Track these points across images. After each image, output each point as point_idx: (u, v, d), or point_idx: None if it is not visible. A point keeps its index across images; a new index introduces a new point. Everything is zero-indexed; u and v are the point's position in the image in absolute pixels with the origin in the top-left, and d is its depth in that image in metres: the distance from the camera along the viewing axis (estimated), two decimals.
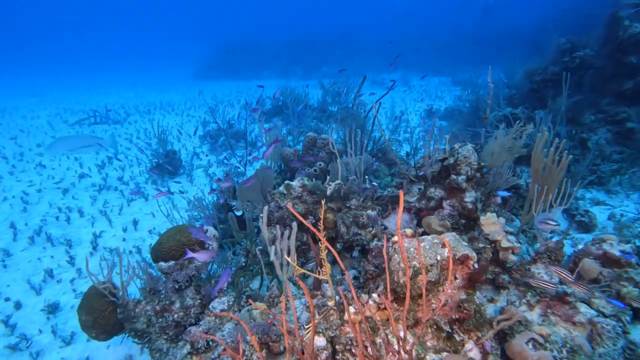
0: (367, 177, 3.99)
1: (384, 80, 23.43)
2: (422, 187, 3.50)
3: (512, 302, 2.61)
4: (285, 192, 3.52)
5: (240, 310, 3.06)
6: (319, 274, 2.21)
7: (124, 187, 7.85)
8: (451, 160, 3.39)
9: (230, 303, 3.10)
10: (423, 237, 2.14)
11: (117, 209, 6.78)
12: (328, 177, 4.05)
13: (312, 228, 1.62)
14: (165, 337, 3.06)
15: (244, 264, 3.74)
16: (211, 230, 3.48)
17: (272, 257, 2.74)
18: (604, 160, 7.33)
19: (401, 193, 1.32)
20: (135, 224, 6.20)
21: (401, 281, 2.00)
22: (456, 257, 2.11)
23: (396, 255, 2.06)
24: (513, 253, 2.78)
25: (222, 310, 3.09)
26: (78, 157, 9.53)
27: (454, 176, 3.34)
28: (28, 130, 12.55)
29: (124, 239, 5.74)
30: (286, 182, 3.54)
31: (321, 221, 2.01)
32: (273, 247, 2.76)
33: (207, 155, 10.00)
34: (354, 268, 3.55)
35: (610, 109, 7.59)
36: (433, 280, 1.99)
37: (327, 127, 11.98)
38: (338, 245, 3.44)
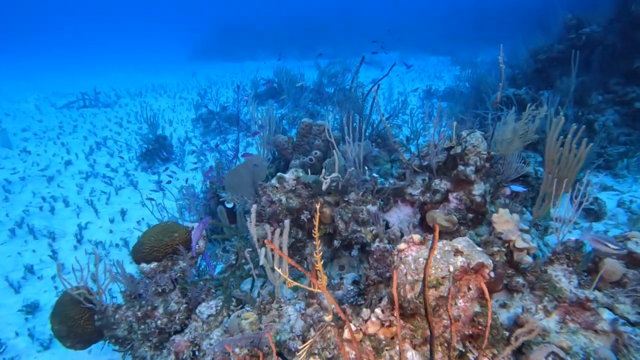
0: (366, 166, 3.70)
1: (381, 60, 22.89)
2: (427, 179, 3.23)
3: (528, 309, 2.37)
4: (277, 185, 3.24)
5: (229, 316, 2.82)
6: (314, 286, 1.94)
7: (113, 174, 7.55)
8: (458, 150, 3.11)
9: (219, 307, 2.86)
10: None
11: (105, 198, 6.49)
12: (324, 168, 3.77)
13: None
14: (149, 344, 2.82)
15: (234, 262, 3.48)
16: (197, 227, 3.21)
17: (262, 260, 2.47)
18: (611, 143, 7.05)
19: (436, 230, 1.03)
20: (124, 214, 5.93)
21: (408, 296, 1.74)
22: (470, 266, 1.84)
23: (402, 266, 1.80)
24: (528, 253, 2.52)
25: (210, 316, 2.85)
26: (65, 143, 9.18)
27: (461, 167, 3.06)
28: (14, 114, 12.14)
29: (110, 231, 5.48)
30: (279, 174, 3.26)
31: (316, 223, 1.74)
32: (263, 249, 2.50)
33: (205, 144, 9.66)
34: (353, 267, 3.30)
35: (619, 89, 7.28)
36: (445, 295, 1.73)
37: (324, 110, 11.64)
38: (336, 243, 3.18)
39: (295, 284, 1.82)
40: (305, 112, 11.11)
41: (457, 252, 1.87)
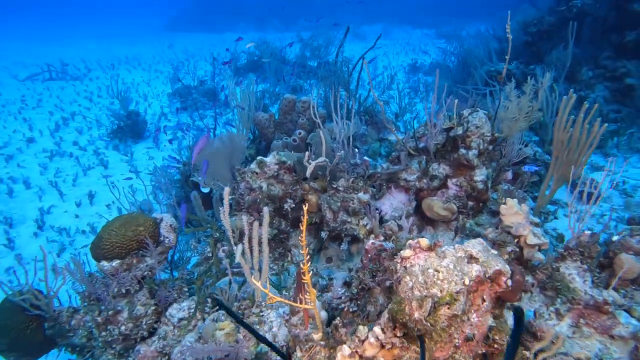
0: (355, 147, 3.37)
1: (365, 33, 22.24)
2: (423, 162, 2.91)
3: (541, 314, 2.12)
4: (257, 170, 2.88)
5: (204, 319, 2.50)
6: (302, 301, 1.64)
7: (81, 153, 7.02)
8: (459, 131, 2.79)
9: (192, 310, 2.54)
10: (444, 248, 1.56)
11: (71, 179, 6.01)
12: (310, 148, 3.42)
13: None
14: (112, 351, 2.49)
15: (210, 255, 3.15)
16: (167, 219, 2.85)
17: (238, 258, 2.14)
18: (602, 121, 6.83)
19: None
20: (92, 197, 5.49)
21: (415, 315, 1.43)
22: (487, 275, 1.55)
23: (408, 278, 1.50)
24: (539, 250, 2.26)
25: (181, 319, 2.53)
26: (28, 118, 8.54)
27: (463, 150, 2.76)
28: None
29: (76, 216, 5.05)
30: (259, 158, 2.90)
31: (303, 230, 1.42)
32: (240, 246, 2.16)
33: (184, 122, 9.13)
34: (342, 260, 3.01)
35: (609, 64, 7.04)
36: (459, 313, 1.44)
37: (307, 84, 11.16)
38: (323, 234, 2.87)
39: (278, 299, 1.50)
40: (288, 87, 10.64)
41: (472, 259, 1.57)
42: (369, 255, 2.14)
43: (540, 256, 2.22)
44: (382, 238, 2.19)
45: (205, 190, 3.63)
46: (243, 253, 2.19)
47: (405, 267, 1.54)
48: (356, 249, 3.04)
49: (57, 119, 8.53)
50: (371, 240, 2.15)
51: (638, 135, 6.22)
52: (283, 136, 3.84)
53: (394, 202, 3.04)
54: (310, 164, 2.61)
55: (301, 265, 1.52)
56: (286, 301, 1.51)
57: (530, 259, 2.24)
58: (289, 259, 3.17)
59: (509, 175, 3.16)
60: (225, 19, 27.54)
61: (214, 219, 3.71)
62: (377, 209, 2.97)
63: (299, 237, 3.16)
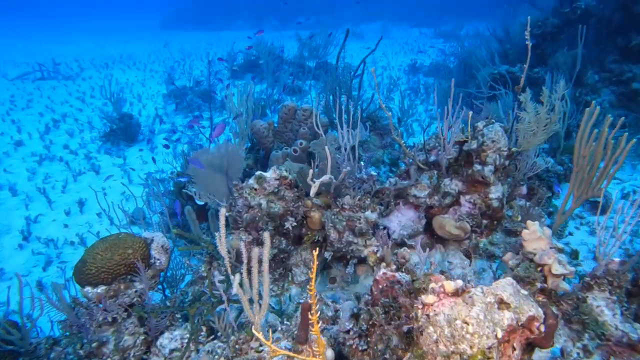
0: (361, 155, 3.17)
1: (363, 32, 22.03)
2: (434, 178, 2.72)
3: (569, 354, 1.93)
4: (256, 186, 2.68)
5: (198, 351, 2.30)
6: (308, 342, 1.45)
7: (71, 157, 6.78)
8: (474, 145, 2.60)
9: (185, 340, 2.33)
10: (471, 293, 1.36)
11: (61, 185, 5.78)
12: (313, 160, 3.22)
13: None
14: None
15: (204, 274, 2.94)
16: (158, 240, 2.64)
17: (236, 289, 1.94)
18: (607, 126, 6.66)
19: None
20: (82, 205, 5.27)
21: None
22: (520, 323, 1.36)
23: (431, 329, 1.30)
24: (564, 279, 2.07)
25: (173, 350, 2.33)
26: (16, 120, 8.28)
27: (477, 166, 2.56)
28: None
29: (65, 225, 4.83)
30: (258, 173, 2.69)
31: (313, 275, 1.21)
32: (238, 276, 1.96)
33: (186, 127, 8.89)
34: (347, 282, 2.81)
35: (615, 68, 6.88)
36: None
37: (305, 85, 10.95)
38: (327, 255, 2.67)
39: (283, 352, 1.30)
40: (285, 87, 10.42)
41: (503, 304, 1.37)
42: (380, 287, 1.94)
43: (565, 286, 2.03)
44: (394, 267, 1.99)
45: (200, 202, 3.43)
46: (241, 283, 1.99)
47: (427, 315, 1.34)
48: (362, 270, 2.84)
49: (47, 121, 8.28)
50: (382, 270, 1.95)
51: None
52: (283, 146, 3.63)
53: (402, 220, 2.84)
54: (314, 182, 2.41)
55: (307, 298, 1.32)
56: (291, 354, 1.31)
57: (554, 289, 2.05)
58: (290, 278, 2.98)
59: (524, 189, 2.98)
60: (223, 17, 27.27)
61: (209, 233, 3.51)
62: (384, 228, 2.77)
63: (302, 259, 2.96)
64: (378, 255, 2.02)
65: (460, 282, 1.42)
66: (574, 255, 3.45)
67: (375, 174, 2.77)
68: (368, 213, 2.55)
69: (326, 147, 2.33)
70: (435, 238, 2.95)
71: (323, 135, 2.81)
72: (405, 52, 16.74)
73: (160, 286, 3.03)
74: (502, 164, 2.58)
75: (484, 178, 2.53)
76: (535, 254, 2.08)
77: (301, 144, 3.35)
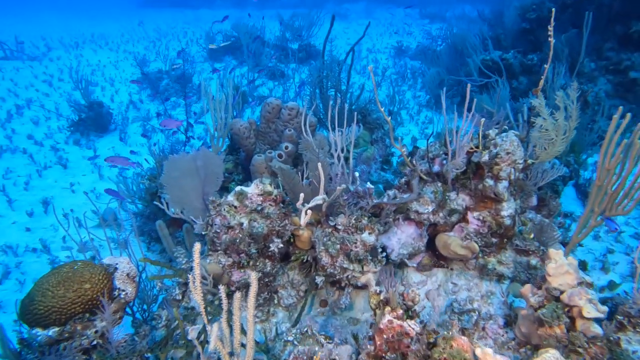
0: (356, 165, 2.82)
1: (347, 12, 21.37)
2: (440, 193, 2.40)
3: None
4: (236, 204, 2.32)
5: None
6: None
7: (36, 149, 6.26)
8: (485, 157, 2.28)
9: None
10: None
11: (23, 181, 5.30)
12: (303, 173, 2.88)
13: None
14: None
15: (179, 296, 2.60)
16: (123, 267, 2.28)
17: (214, 345, 1.60)
18: (603, 116, 6.47)
19: None
20: (47, 205, 4.82)
21: None
22: None
23: None
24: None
25: None
26: None
27: (490, 181, 2.26)
28: None
29: (27, 229, 4.39)
30: (238, 189, 2.33)
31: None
32: (216, 326, 1.61)
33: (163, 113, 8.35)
34: (341, 309, 2.50)
35: (613, 56, 6.64)
36: None
37: (288, 69, 10.46)
38: (318, 280, 2.35)
39: None
40: (266, 70, 9.92)
41: None
42: (385, 337, 1.63)
43: (597, 330, 1.76)
44: (400, 311, 1.68)
45: (172, 211, 3.05)
46: (220, 335, 1.65)
47: None
48: (358, 293, 2.55)
49: (9, 107, 7.65)
50: (388, 317, 1.64)
51: None
52: (266, 148, 3.26)
53: (402, 237, 2.54)
54: (304, 206, 2.07)
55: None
56: None
57: (585, 332, 1.77)
58: (276, 301, 2.65)
59: (534, 200, 2.69)
60: None
61: (184, 247, 3.14)
62: (383, 248, 2.46)
63: (290, 280, 2.64)
64: (381, 297, 1.72)
65: None
66: (582, 265, 3.21)
67: (372, 187, 2.43)
68: (365, 235, 2.23)
69: (319, 165, 1.97)
70: (437, 255, 2.66)
71: (312, 143, 2.46)
72: (391, 34, 16.25)
73: (129, 309, 2.68)
74: (516, 177, 2.28)
75: (497, 195, 2.23)
76: (561, 291, 1.80)
77: (287, 147, 2.99)
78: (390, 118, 5.38)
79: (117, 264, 2.27)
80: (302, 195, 2.07)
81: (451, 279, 2.60)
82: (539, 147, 2.33)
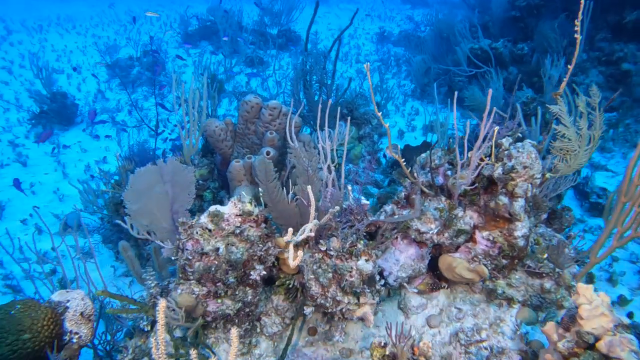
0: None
1: None
2: (446, 212, 2.10)
3: None
4: (211, 227, 1.98)
5: None
6: None
7: None
8: (498, 170, 1.99)
9: None
10: None
11: None
12: (288, 188, 2.56)
13: None
14: None
15: (146, 327, 2.25)
16: (76, 305, 1.91)
17: None
18: (593, 109, 6.27)
19: None
20: (2, 209, 4.36)
21: None
22: None
23: None
24: None
25: None
26: None
27: (504, 199, 1.97)
28: None
29: None
30: (213, 209, 1.98)
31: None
32: None
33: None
34: (330, 340, 2.21)
35: (605, 46, 6.45)
36: None
37: (267, 55, 9.99)
38: (306, 311, 2.04)
39: None
40: (245, 57, 9.42)
41: None
42: None
43: None
44: None
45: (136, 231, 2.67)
46: None
47: None
48: (352, 324, 2.25)
49: None
50: None
51: (635, 127, 5.73)
52: (245, 152, 2.90)
53: (400, 259, 2.24)
54: (293, 240, 1.74)
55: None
56: None
57: None
58: (259, 330, 2.34)
59: (544, 215, 2.43)
60: None
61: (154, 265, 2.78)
62: (380, 272, 2.16)
63: (274, 306, 2.33)
64: (387, 351, 1.42)
65: None
66: (589, 278, 3.00)
67: (367, 202, 2.12)
68: (362, 263, 1.92)
69: (308, 188, 1.63)
70: (437, 276, 2.39)
71: (301, 151, 2.12)
72: (372, 19, 15.83)
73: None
74: (533, 194, 2.00)
75: (513, 216, 1.95)
76: (596, 336, 1.53)
77: (268, 153, 2.64)
78: (385, 121, 5.07)
79: (68, 301, 1.91)
80: (290, 230, 1.73)
81: (455, 303, 2.32)
82: (558, 159, 2.05)
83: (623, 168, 5.05)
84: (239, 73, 8.95)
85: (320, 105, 2.29)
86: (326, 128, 2.35)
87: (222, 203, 3.02)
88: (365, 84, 7.56)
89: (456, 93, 2.21)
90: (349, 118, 2.58)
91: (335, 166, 2.29)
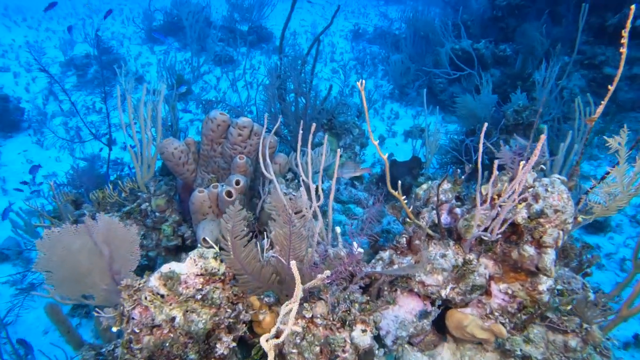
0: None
1: None
2: (460, 260, 1.72)
3: None
4: (164, 292, 1.53)
5: None
6: None
7: None
8: (523, 214, 1.62)
9: None
10: None
11: None
12: (265, 238, 2.15)
13: None
14: None
15: None
16: None
17: None
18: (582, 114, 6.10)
19: None
20: None
21: None
22: None
23: None
24: None
25: None
26: None
27: (530, 250, 1.60)
28: None
29: None
30: (166, 271, 1.53)
31: None
32: None
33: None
34: None
35: (587, 50, 6.28)
36: None
37: (236, 53, 9.45)
38: None
39: None
40: (213, 54, 8.84)
41: None
42: None
43: None
44: None
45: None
46: None
47: None
48: None
49: None
50: None
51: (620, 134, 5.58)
52: (211, 177, 2.44)
53: (400, 314, 1.85)
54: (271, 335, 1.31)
55: None
56: None
57: None
58: None
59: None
60: None
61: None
62: (378, 334, 1.76)
63: None
64: None
65: None
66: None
67: (361, 250, 1.72)
68: (357, 334, 1.53)
69: (292, 263, 1.22)
70: (441, 328, 2.01)
71: (283, 199, 1.69)
72: (346, 15, 15.43)
73: None
74: (564, 242, 1.65)
75: (541, 270, 1.59)
76: None
77: (238, 182, 2.19)
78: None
79: None
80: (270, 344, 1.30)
81: None
82: (596, 199, 1.71)
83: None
84: (207, 72, 8.41)
85: (301, 128, 1.86)
86: (309, 149, 1.94)
87: (183, 238, 2.56)
88: (345, 88, 7.16)
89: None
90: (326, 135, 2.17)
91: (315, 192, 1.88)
